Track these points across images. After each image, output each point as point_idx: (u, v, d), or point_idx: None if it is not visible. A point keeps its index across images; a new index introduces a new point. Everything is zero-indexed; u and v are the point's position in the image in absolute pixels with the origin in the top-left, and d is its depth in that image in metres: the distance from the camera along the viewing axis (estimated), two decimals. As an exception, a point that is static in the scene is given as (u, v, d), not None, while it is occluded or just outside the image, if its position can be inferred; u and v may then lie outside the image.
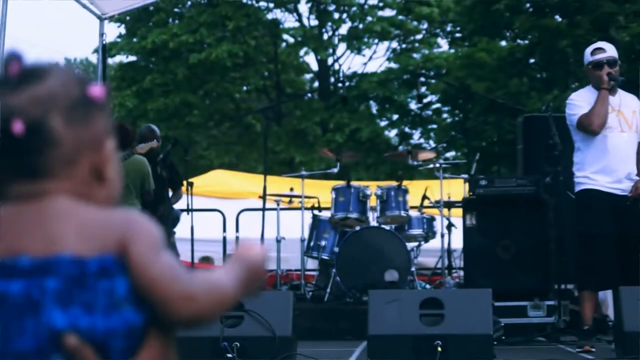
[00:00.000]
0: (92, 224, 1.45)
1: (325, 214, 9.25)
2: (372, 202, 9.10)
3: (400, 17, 26.11)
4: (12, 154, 1.44)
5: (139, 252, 1.45)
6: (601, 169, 6.83)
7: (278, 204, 9.63)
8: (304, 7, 26.77)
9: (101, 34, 9.92)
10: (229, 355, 5.90)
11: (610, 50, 7.12)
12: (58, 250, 1.42)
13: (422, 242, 9.33)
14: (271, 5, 25.92)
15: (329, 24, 26.58)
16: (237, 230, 10.57)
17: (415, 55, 26.54)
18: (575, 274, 7.18)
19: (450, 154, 22.68)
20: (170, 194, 9.00)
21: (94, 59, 30.77)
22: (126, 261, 1.44)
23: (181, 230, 9.48)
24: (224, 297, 1.51)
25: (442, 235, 9.20)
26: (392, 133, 27.22)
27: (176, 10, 25.99)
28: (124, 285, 1.44)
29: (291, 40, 26.68)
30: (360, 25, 25.86)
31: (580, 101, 7.03)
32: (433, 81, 22.24)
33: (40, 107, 1.44)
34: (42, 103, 1.45)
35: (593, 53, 7.09)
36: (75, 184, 1.47)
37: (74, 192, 1.47)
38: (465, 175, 9.30)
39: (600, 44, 7.26)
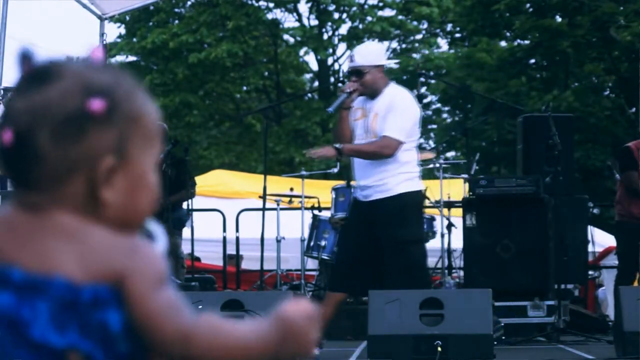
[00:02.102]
0: (93, 248, 1.35)
1: (325, 214, 9.25)
2: (372, 202, 9.09)
3: (400, 17, 26.11)
4: (4, 161, 1.38)
5: (137, 285, 1.35)
6: (354, 177, 6.70)
7: (278, 204, 9.63)
8: (304, 7, 26.79)
9: (101, 34, 9.93)
10: (229, 355, 5.90)
11: (360, 58, 6.49)
12: (52, 269, 1.33)
13: (422, 242, 9.32)
14: (271, 5, 25.92)
15: (329, 24, 26.58)
16: (237, 230, 10.57)
17: (415, 55, 26.54)
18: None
19: (450, 154, 22.69)
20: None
21: (94, 59, 30.77)
22: (123, 294, 1.35)
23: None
24: (232, 346, 1.38)
25: (442, 235, 9.20)
26: (392, 133, 27.18)
27: (176, 10, 25.99)
28: (118, 319, 1.35)
29: (291, 40, 26.69)
30: (360, 25, 25.85)
31: None
32: (433, 81, 22.24)
33: (30, 118, 1.35)
34: (34, 114, 1.35)
35: (348, 59, 6.66)
36: (72, 202, 1.37)
37: (74, 211, 1.37)
38: (465, 175, 9.30)
39: (355, 49, 6.77)
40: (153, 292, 1.36)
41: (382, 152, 6.34)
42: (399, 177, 6.39)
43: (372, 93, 6.47)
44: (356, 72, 6.45)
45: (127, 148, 1.39)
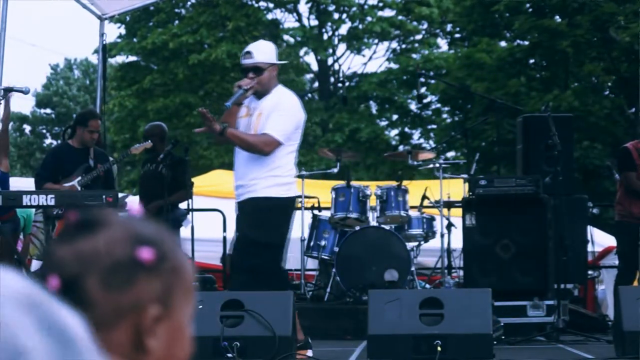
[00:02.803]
0: None
1: (325, 214, 9.26)
2: (372, 202, 9.11)
3: (400, 17, 26.12)
4: None
5: None
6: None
7: (278, 204, 9.62)
8: (304, 7, 26.81)
9: (101, 34, 9.94)
10: (229, 355, 5.91)
11: (259, 55, 6.44)
12: None
13: (422, 242, 9.34)
14: (271, 5, 25.94)
15: (329, 24, 26.60)
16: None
17: (415, 55, 26.55)
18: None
19: (450, 154, 22.70)
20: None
21: (94, 59, 30.80)
22: None
23: (181, 230, 9.47)
24: None
25: (442, 235, 9.20)
26: (392, 133, 27.24)
27: (176, 10, 26.00)
28: None
29: (291, 40, 26.69)
30: (360, 26, 25.87)
31: None
32: (433, 81, 22.25)
33: (78, 265, 1.38)
34: (82, 261, 1.38)
35: (243, 56, 6.57)
36: (116, 350, 1.40)
37: (117, 356, 1.40)
38: (465, 175, 9.31)
39: (250, 46, 6.60)
40: None
41: (261, 148, 6.29)
42: (269, 180, 6.33)
43: (263, 92, 6.43)
44: (254, 69, 6.40)
45: (172, 298, 1.42)
